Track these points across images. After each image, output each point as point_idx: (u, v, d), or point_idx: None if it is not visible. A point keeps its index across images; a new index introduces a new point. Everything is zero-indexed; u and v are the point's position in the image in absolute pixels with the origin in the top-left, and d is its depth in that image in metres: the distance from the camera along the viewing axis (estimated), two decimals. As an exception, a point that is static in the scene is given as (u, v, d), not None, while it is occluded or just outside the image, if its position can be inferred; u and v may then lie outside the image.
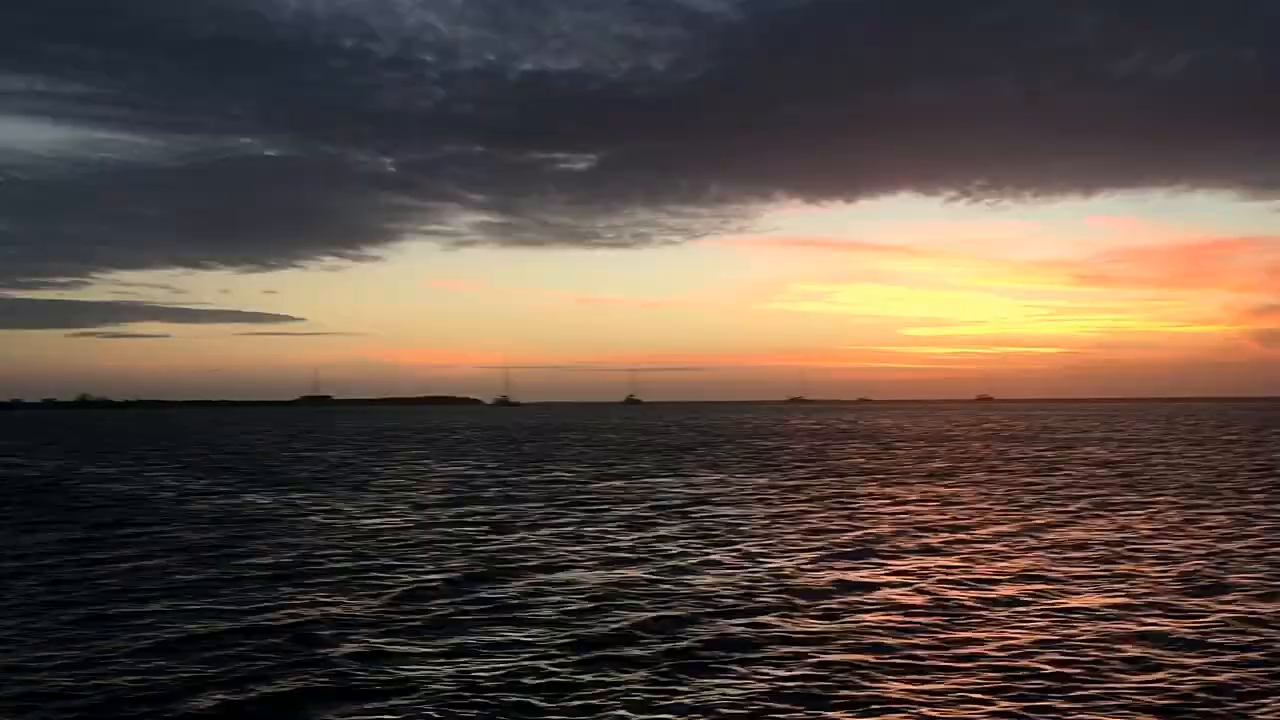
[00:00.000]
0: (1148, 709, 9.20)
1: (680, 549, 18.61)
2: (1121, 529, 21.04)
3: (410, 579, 15.68)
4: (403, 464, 44.85)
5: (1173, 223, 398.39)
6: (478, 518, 23.78)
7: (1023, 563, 16.97)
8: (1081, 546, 18.66)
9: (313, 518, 24.04)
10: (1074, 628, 12.20)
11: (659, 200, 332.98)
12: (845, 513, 24.25)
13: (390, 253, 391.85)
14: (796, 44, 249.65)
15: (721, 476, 35.72)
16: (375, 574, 16.21)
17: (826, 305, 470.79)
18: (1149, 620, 12.57)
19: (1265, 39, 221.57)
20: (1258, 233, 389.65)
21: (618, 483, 33.36)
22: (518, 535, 20.66)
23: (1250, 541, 19.14)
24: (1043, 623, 12.52)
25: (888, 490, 30.13)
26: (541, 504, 26.73)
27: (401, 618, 12.98)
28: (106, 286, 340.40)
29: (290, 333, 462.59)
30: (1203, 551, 17.94)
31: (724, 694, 9.69)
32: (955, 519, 23.02)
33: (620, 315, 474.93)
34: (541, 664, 10.72)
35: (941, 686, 9.91)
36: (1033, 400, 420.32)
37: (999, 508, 25.20)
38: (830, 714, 9.19)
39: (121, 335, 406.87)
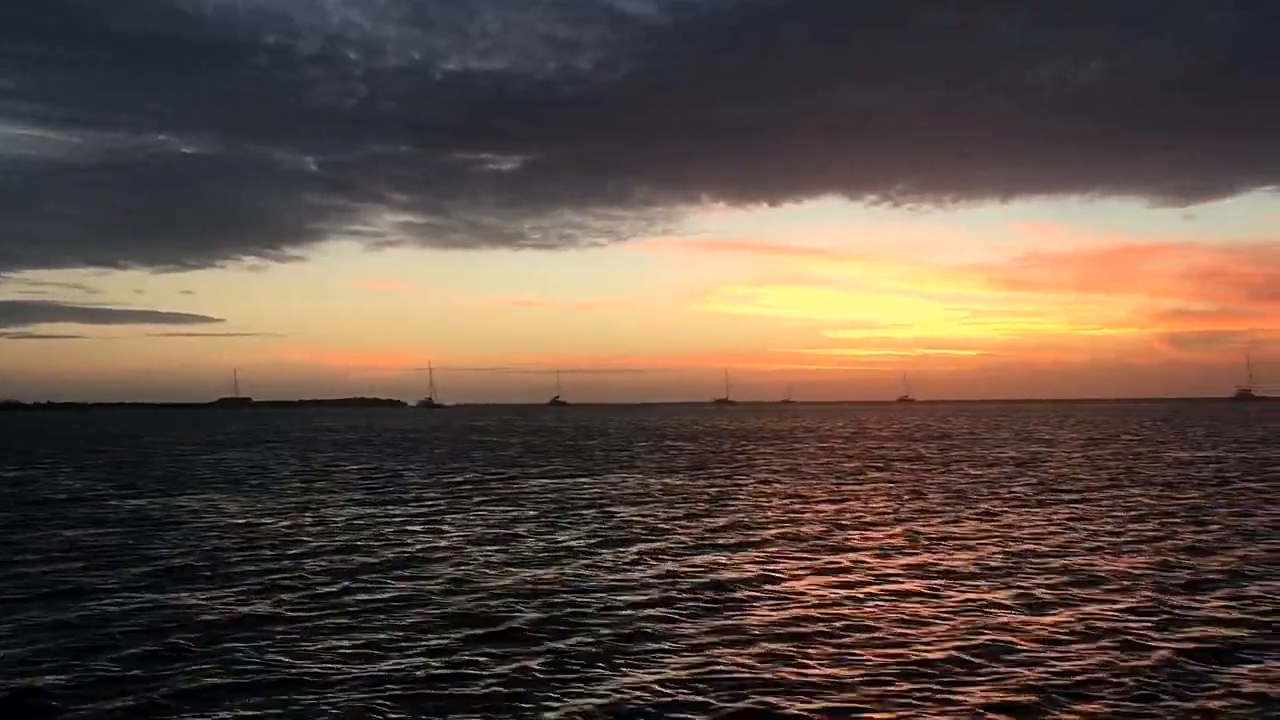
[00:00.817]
0: (1002, 701, 9.77)
1: (577, 547, 19.01)
2: (1003, 525, 21.92)
3: (304, 577, 15.85)
4: (314, 465, 44.50)
5: (1087, 228, 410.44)
6: (382, 518, 23.87)
7: (904, 558, 17.70)
8: (959, 541, 19.51)
9: (213, 519, 23.91)
10: (933, 619, 12.85)
11: (586, 202, 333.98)
12: (745, 510, 24.83)
13: (313, 253, 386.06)
14: (722, 47, 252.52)
15: (630, 476, 36.12)
16: (271, 573, 16.32)
17: (752, 307, 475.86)
18: (1010, 612, 13.27)
19: (1178, 49, 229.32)
20: (1168, 239, 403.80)
21: (529, 483, 33.58)
22: (419, 535, 20.87)
23: (1126, 537, 20.08)
24: (913, 615, 13.15)
25: (788, 488, 30.79)
26: (447, 504, 26.88)
27: (294, 615, 13.17)
28: (15, 286, 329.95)
29: (208, 334, 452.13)
30: (1079, 547, 18.85)
31: (609, 687, 10.12)
32: (848, 516, 23.74)
33: (546, 317, 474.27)
34: (430, 660, 11.05)
35: (826, 674, 10.42)
36: (953, 401, 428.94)
37: (893, 505, 26.02)
38: (712, 703, 9.63)
39: (32, 336, 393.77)
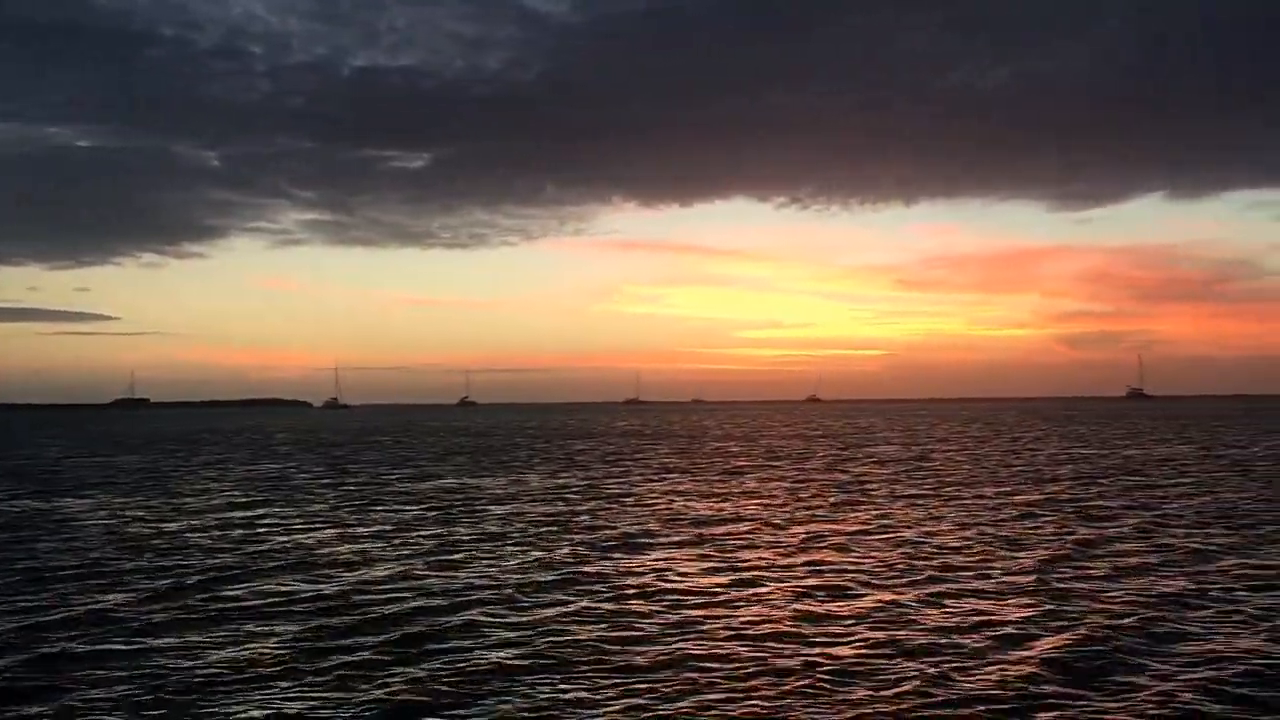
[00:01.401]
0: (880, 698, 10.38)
1: (450, 545, 19.35)
2: (876, 520, 22.83)
3: (177, 577, 15.99)
4: (205, 466, 43.89)
5: (988, 231, 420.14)
6: (264, 518, 23.90)
7: (770, 553, 18.42)
8: (831, 537, 20.31)
9: (96, 521, 23.65)
10: (780, 610, 13.51)
11: (496, 201, 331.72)
12: (629, 508, 25.41)
13: (214, 250, 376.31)
14: (633, 47, 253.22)
15: (524, 476, 36.45)
16: (144, 573, 16.41)
17: (663, 307, 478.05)
18: (868, 606, 13.98)
19: (1076, 59, 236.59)
20: (1065, 242, 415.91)
21: (421, 484, 33.69)
22: (303, 534, 20.99)
23: (989, 531, 21.10)
24: (770, 609, 13.81)
25: (679, 486, 31.46)
26: (334, 504, 26.95)
27: (161, 614, 13.37)
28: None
29: (104, 332, 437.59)
30: (948, 540, 19.82)
31: (445, 677, 10.53)
32: (729, 512, 24.49)
33: (456, 316, 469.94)
34: (284, 654, 11.36)
35: (664, 659, 10.96)
36: (860, 400, 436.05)
37: (773, 502, 26.84)
38: (542, 694, 10.08)
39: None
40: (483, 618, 13.00)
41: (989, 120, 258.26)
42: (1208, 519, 22.35)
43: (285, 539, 20.43)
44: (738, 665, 10.76)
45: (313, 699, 9.75)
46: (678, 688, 10.00)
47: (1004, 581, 15.29)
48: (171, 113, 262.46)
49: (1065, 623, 12.47)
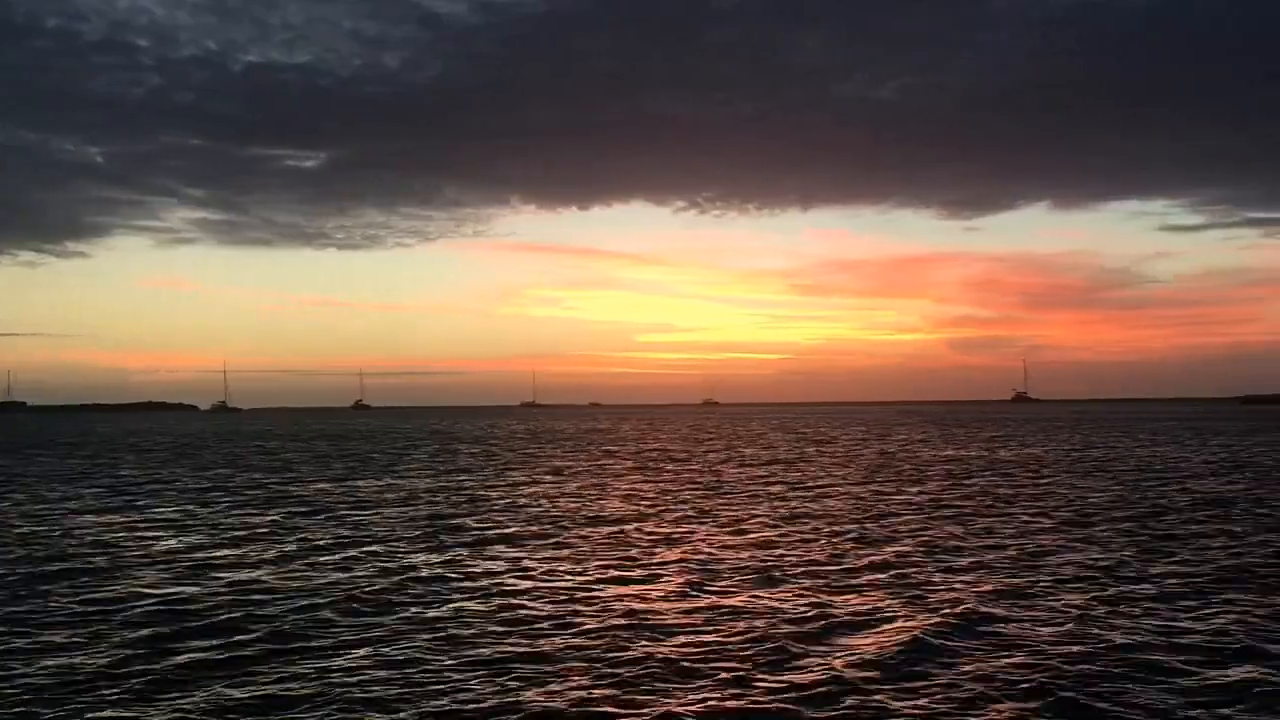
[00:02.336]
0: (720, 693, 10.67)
1: (306, 549, 19.23)
2: (735, 520, 23.35)
3: (26, 581, 15.61)
4: (71, 471, 42.50)
5: (880, 237, 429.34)
6: (121, 523, 23.33)
7: (623, 552, 18.74)
8: (687, 537, 20.74)
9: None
10: (597, 606, 13.80)
11: (392, 201, 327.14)
12: (497, 510, 25.48)
13: (97, 249, 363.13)
14: (534, 50, 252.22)
15: (399, 480, 36.23)
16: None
17: (561, 310, 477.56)
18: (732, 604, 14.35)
19: (965, 72, 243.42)
20: (953, 248, 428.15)
21: (293, 487, 33.23)
22: (156, 539, 20.58)
23: (845, 529, 21.77)
24: (608, 606, 14.08)
25: (552, 489, 31.61)
26: (196, 508, 26.42)
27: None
28: None
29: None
30: (802, 539, 20.38)
31: (274, 682, 10.58)
32: (593, 513, 24.73)
33: (350, 318, 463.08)
34: (112, 659, 11.23)
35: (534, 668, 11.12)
36: (756, 404, 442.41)
37: (640, 503, 27.21)
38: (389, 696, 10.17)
39: None
40: (319, 621, 13.02)
41: (882, 129, 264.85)
42: (1054, 518, 23.41)
43: (136, 543, 20.02)
44: (563, 663, 10.99)
45: (135, 706, 9.67)
46: (500, 685, 10.19)
47: (844, 578, 15.87)
48: (52, 107, 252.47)
49: (889, 618, 13.00)
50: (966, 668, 10.74)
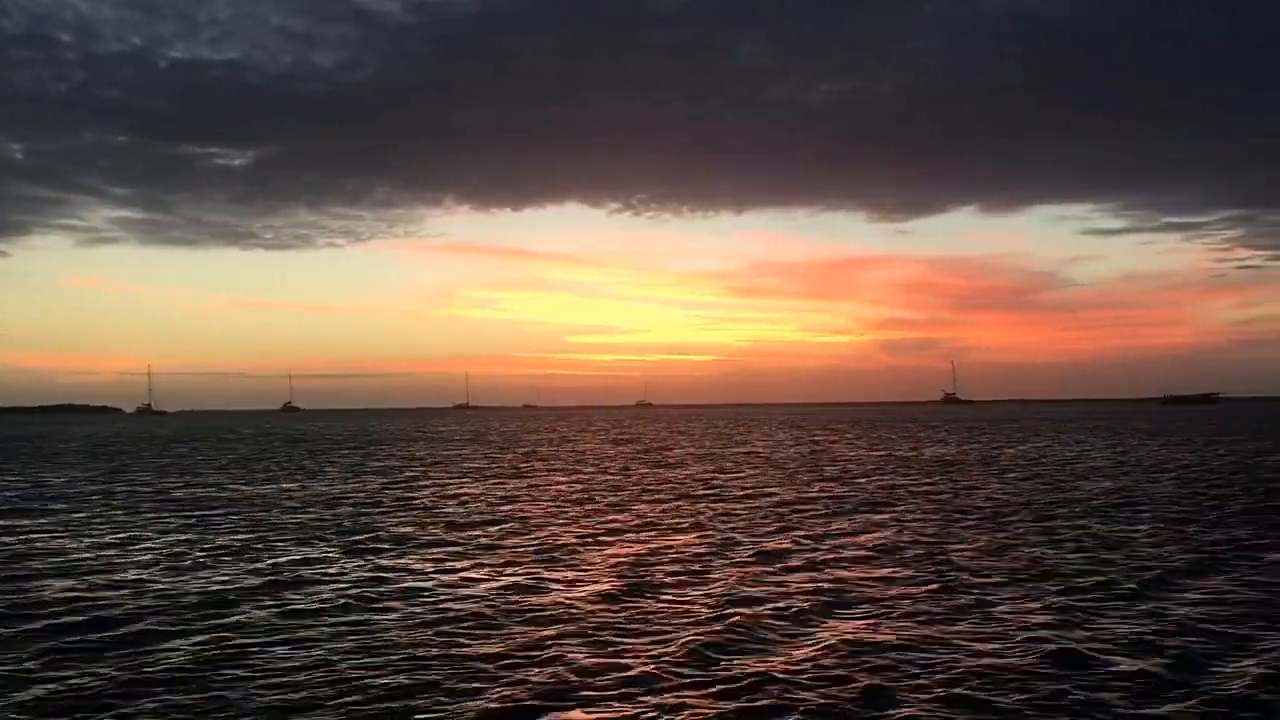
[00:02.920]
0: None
1: (189, 551, 19.11)
2: (633, 520, 23.65)
3: None
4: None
5: (813, 239, 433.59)
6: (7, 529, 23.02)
7: (508, 551, 18.90)
8: (577, 537, 20.96)
9: None
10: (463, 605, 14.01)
11: (323, 201, 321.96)
12: (400, 511, 25.51)
13: (16, 247, 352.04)
14: (467, 50, 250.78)
15: (311, 483, 36.01)
16: None
17: (494, 311, 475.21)
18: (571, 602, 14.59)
19: (895, 78, 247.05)
20: (884, 251, 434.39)
21: (200, 491, 32.83)
22: (30, 542, 20.31)
23: (734, 527, 22.15)
24: (467, 603, 14.24)
25: (464, 489, 31.66)
26: (87, 511, 26.06)
27: None
28: None
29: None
30: (686, 537, 20.71)
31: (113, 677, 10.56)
32: (491, 514, 24.83)
33: (279, 319, 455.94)
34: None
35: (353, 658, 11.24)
36: (690, 406, 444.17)
37: (545, 503, 27.39)
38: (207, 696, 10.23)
39: None
40: (173, 622, 13.03)
41: (814, 133, 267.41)
42: (937, 516, 24.06)
43: (32, 543, 19.80)
44: (418, 658, 11.18)
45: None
46: (339, 684, 10.35)
47: (710, 573, 16.22)
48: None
49: (723, 612, 13.36)
50: (755, 665, 11.11)
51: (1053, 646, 11.34)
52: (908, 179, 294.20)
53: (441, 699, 9.73)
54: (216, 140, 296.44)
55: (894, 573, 16.15)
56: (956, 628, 12.35)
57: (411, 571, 16.65)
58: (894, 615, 13.08)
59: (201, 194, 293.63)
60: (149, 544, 20.13)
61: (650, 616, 13.12)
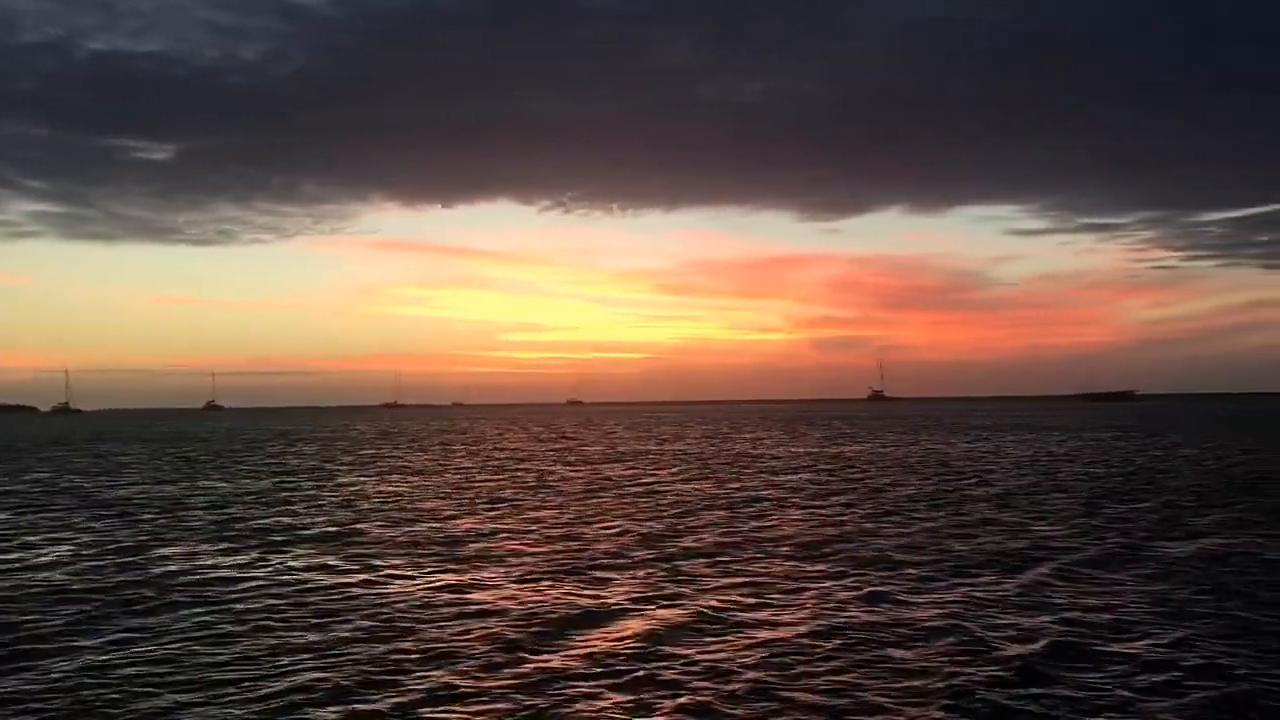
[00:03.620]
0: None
1: (89, 551, 18.88)
2: (527, 518, 23.78)
3: None
4: None
5: (744, 238, 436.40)
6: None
7: (387, 550, 18.92)
8: (466, 534, 21.07)
9: None
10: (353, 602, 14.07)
11: (248, 196, 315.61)
12: (289, 509, 25.36)
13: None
14: (397, 45, 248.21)
15: (212, 483, 35.59)
16: None
17: (424, 309, 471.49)
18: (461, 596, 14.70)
19: (824, 79, 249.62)
20: (814, 250, 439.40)
21: (103, 490, 32.27)
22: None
23: (624, 525, 22.39)
24: (332, 600, 14.30)
25: (365, 489, 31.52)
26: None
27: None
28: None
29: None
30: (572, 533, 20.90)
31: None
32: (379, 515, 24.79)
33: (202, 316, 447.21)
34: None
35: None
36: (620, 403, 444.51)
37: (444, 501, 27.39)
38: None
39: None
40: (90, 619, 12.94)
41: (744, 132, 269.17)
42: (832, 509, 24.57)
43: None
44: (311, 658, 11.23)
45: None
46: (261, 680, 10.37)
47: (607, 573, 16.45)
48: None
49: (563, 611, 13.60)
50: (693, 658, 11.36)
51: (943, 631, 11.78)
52: (837, 179, 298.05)
53: (314, 696, 9.83)
54: (138, 133, 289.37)
55: (751, 564, 16.54)
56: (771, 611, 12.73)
57: (286, 568, 16.64)
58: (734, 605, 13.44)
59: (123, 188, 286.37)
60: (56, 543, 19.82)
61: (472, 614, 13.31)
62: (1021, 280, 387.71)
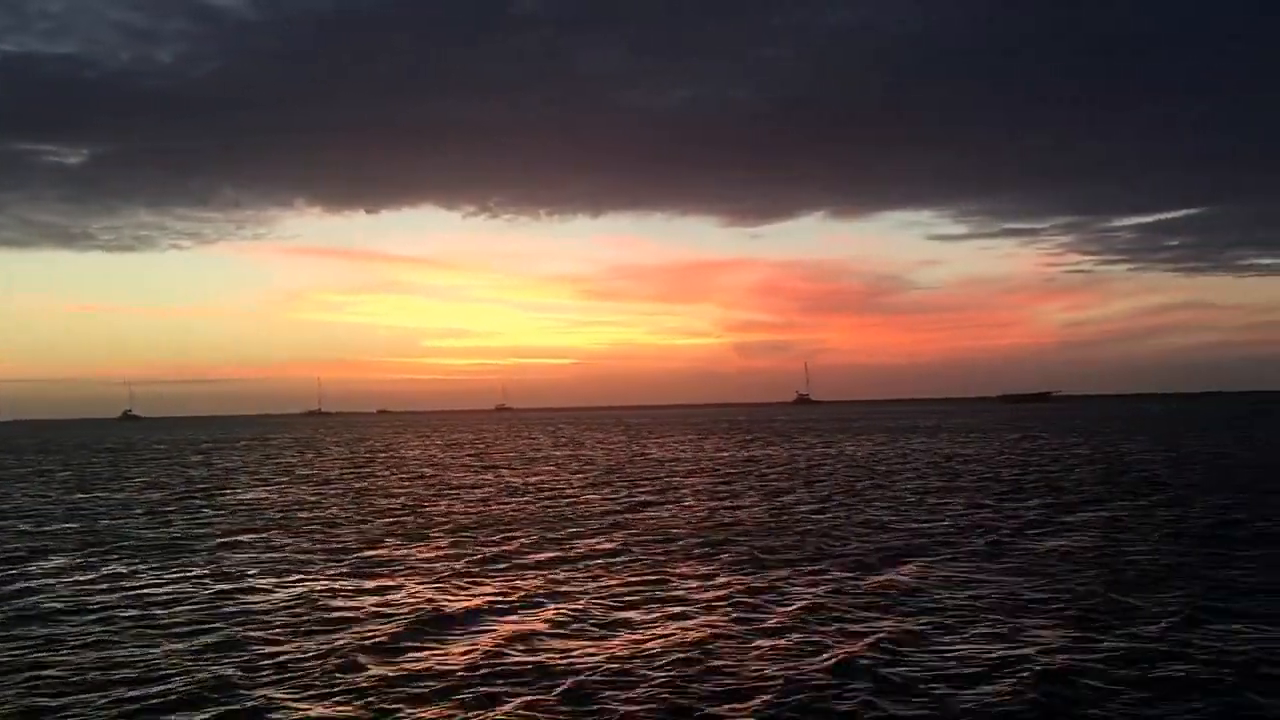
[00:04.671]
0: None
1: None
2: (410, 521, 23.63)
3: None
4: None
5: (669, 243, 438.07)
6: None
7: (284, 555, 18.68)
8: (337, 544, 20.83)
9: None
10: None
11: (166, 202, 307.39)
12: (161, 521, 24.90)
13: None
14: (318, 48, 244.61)
15: (99, 493, 34.77)
16: None
17: (349, 315, 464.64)
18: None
19: (747, 86, 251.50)
20: (738, 255, 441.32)
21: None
22: None
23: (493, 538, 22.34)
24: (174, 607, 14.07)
25: (250, 495, 31.05)
26: None
27: None
28: None
29: None
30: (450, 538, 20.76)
31: None
32: (285, 520, 24.47)
33: (118, 324, 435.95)
34: None
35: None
36: (547, 409, 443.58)
37: (324, 509, 27.10)
38: None
39: None
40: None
41: (668, 138, 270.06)
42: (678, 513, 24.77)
43: None
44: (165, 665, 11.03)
45: None
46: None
47: (474, 574, 16.43)
48: None
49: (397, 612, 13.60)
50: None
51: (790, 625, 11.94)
52: (760, 184, 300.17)
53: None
54: (50, 137, 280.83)
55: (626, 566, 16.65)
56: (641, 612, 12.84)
57: (145, 580, 16.36)
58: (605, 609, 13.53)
59: (35, 193, 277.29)
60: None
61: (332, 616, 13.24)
62: (944, 284, 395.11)
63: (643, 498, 29.09)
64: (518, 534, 21.51)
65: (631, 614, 13.40)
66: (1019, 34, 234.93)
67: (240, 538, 21.81)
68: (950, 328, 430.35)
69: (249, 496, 32.27)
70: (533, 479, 37.59)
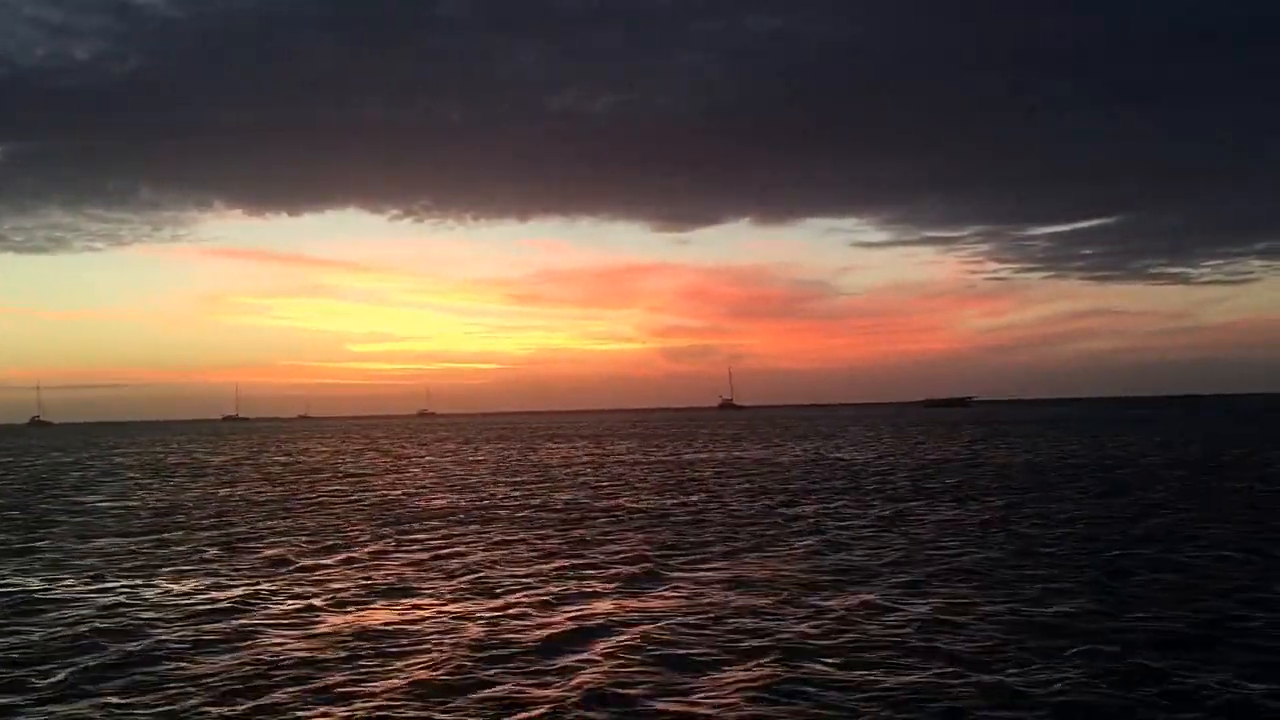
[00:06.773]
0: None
1: None
2: (323, 525, 23.51)
3: None
4: None
5: (596, 248, 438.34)
6: None
7: (140, 563, 18.47)
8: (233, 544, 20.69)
9: None
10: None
11: (80, 202, 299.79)
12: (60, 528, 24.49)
13: None
14: (240, 48, 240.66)
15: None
16: None
17: (269, 319, 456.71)
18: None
19: (674, 93, 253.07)
20: (665, 260, 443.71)
21: None
22: None
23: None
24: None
25: (150, 500, 30.60)
26: None
27: None
28: None
29: None
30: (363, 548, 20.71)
31: None
32: (176, 528, 24.18)
33: (26, 326, 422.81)
34: None
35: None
36: (472, 414, 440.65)
37: (225, 518, 26.83)
38: None
39: None
40: None
41: (596, 143, 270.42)
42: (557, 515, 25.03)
43: None
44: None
45: None
46: None
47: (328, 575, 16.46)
48: None
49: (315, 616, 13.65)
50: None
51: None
52: (684, 190, 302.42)
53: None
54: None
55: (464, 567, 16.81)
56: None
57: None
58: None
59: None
60: None
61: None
62: (866, 290, 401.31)
63: (526, 501, 29.23)
64: (386, 536, 21.53)
65: (471, 615, 13.55)
66: (939, 47, 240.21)
67: (100, 541, 21.53)
68: (873, 333, 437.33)
69: (138, 503, 31.75)
70: (417, 486, 37.46)
